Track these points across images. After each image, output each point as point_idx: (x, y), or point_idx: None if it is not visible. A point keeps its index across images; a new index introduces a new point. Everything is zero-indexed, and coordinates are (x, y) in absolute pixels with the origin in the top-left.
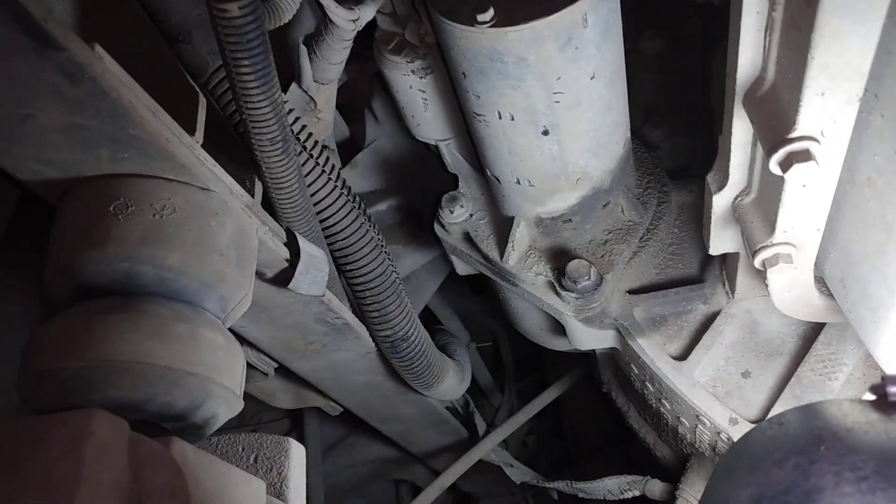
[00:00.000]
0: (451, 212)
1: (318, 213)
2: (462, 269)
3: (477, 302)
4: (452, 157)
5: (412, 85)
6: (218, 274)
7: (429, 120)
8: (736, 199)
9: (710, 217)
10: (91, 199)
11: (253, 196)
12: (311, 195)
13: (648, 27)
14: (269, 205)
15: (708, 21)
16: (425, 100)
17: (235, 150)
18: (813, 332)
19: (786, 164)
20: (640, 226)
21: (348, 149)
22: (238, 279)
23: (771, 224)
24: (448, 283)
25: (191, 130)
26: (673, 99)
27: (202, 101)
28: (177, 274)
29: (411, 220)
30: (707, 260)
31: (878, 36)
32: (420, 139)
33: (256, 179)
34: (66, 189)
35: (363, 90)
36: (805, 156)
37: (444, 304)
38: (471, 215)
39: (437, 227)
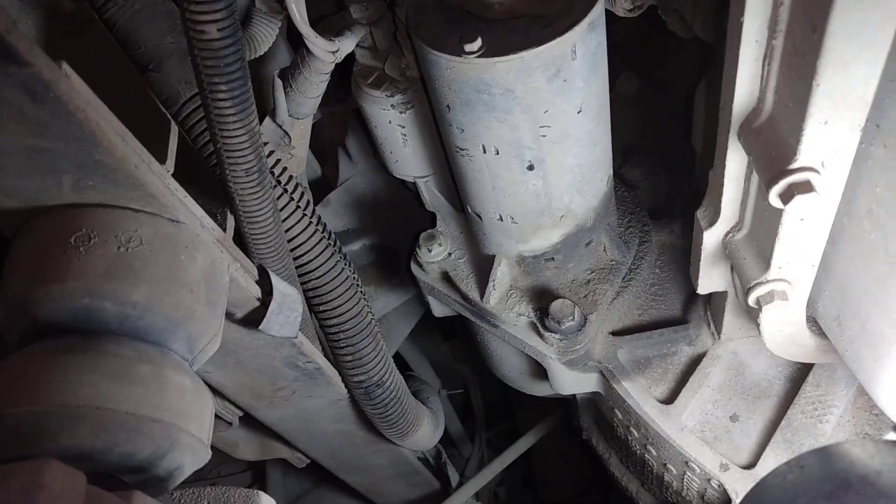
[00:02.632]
0: (430, 250)
1: (291, 251)
2: (439, 310)
3: (447, 347)
4: (431, 194)
5: (391, 120)
6: (187, 311)
7: (408, 156)
8: (727, 235)
9: (698, 254)
10: (50, 231)
11: (224, 230)
12: (286, 231)
13: (625, 68)
14: (240, 240)
15: (690, 61)
16: (405, 135)
17: (206, 183)
18: (800, 373)
19: (787, 196)
20: (622, 265)
21: (320, 188)
22: (208, 317)
23: (765, 260)
24: (418, 327)
25: (161, 158)
26: (652, 139)
27: (174, 128)
28: (142, 311)
29: (385, 260)
30: (690, 300)
31: (883, 63)
32: (398, 176)
33: (228, 213)
34: (22, 220)
35: (335, 134)
36: (806, 187)
37: (415, 349)
38: (449, 254)
39: (413, 266)
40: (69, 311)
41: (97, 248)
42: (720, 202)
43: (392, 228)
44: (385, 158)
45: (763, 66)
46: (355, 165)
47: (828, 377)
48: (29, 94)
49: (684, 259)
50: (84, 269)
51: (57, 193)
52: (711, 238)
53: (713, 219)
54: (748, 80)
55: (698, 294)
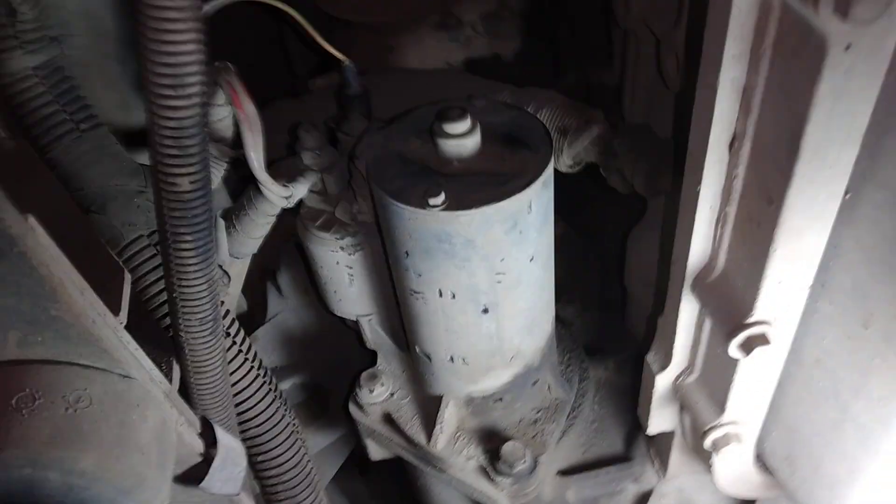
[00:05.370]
0: (371, 391)
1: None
2: (377, 453)
3: (364, 483)
4: (374, 332)
5: (339, 261)
6: (138, 477)
7: (352, 296)
8: (677, 378)
9: (649, 398)
10: None
11: (171, 382)
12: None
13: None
14: (183, 390)
15: (614, 210)
16: (351, 276)
17: (148, 331)
18: None
19: (747, 348)
20: (566, 403)
21: (244, 322)
22: (158, 482)
23: (719, 403)
24: None
25: (115, 310)
26: (579, 278)
27: (127, 277)
28: (89, 480)
29: (314, 398)
30: (630, 437)
31: (829, 231)
32: (339, 314)
33: (174, 363)
34: None
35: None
36: (763, 339)
37: (333, 486)
38: (391, 395)
39: (352, 407)
40: (7, 484)
41: (42, 410)
42: (671, 348)
43: (323, 365)
44: (327, 297)
45: (716, 228)
46: (285, 300)
47: None
48: None
49: (621, 395)
50: (27, 435)
51: None
52: (662, 382)
53: (664, 363)
54: (701, 240)
55: (639, 430)
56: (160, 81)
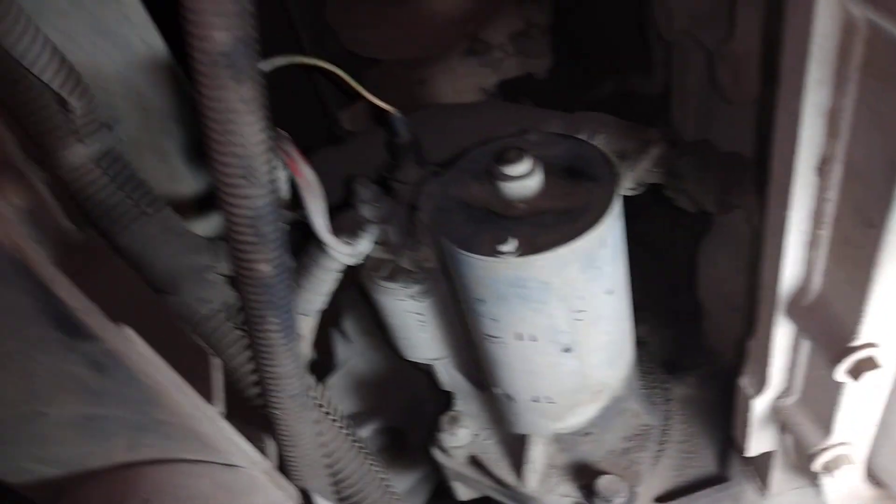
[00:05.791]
0: (453, 434)
1: (327, 464)
2: (466, 494)
3: None
4: (449, 375)
5: (408, 309)
6: None
7: (424, 341)
8: (775, 400)
9: (747, 421)
10: (100, 499)
11: (269, 459)
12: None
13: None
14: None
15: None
16: (422, 322)
17: (237, 409)
18: None
19: (855, 373)
20: (654, 428)
21: (313, 371)
22: None
23: (825, 426)
24: None
25: (207, 398)
26: (652, 294)
27: (215, 362)
28: None
29: (392, 442)
30: (723, 455)
31: None
32: (411, 360)
33: (268, 440)
34: (61, 487)
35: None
36: (872, 363)
37: None
38: (475, 436)
39: (436, 452)
40: None
41: None
42: (766, 371)
43: (397, 408)
44: (398, 344)
45: (809, 252)
46: (352, 346)
47: None
48: (94, 367)
49: (707, 412)
50: None
51: (106, 456)
52: (761, 405)
53: (760, 387)
54: (793, 264)
55: (731, 447)
56: (231, 172)
